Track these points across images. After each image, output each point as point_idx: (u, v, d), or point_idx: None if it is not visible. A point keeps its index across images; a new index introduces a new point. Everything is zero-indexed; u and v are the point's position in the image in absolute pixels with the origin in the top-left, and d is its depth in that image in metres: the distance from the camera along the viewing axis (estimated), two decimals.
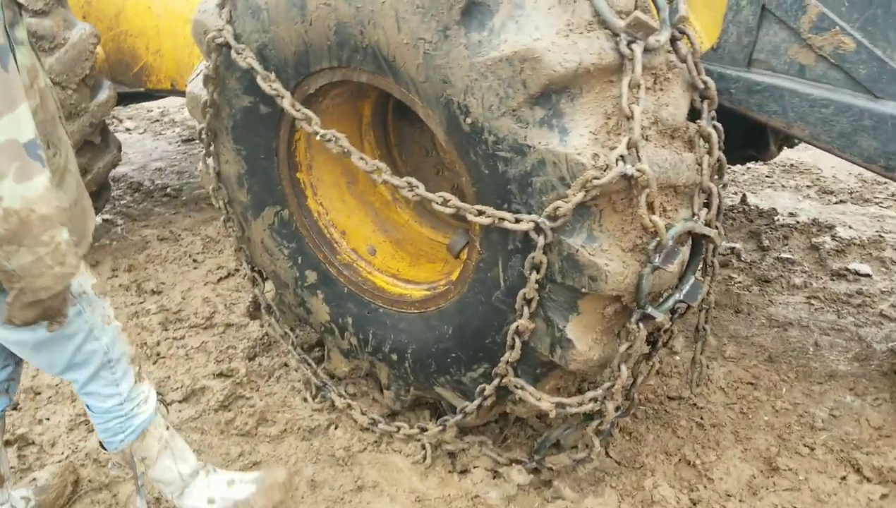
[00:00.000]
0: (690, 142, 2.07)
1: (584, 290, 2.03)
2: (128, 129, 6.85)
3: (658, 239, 1.94)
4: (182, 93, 4.16)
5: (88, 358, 2.02)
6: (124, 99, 4.40)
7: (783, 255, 4.08)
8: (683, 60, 2.06)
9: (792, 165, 5.57)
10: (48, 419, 2.90)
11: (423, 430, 2.56)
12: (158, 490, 2.32)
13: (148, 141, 6.48)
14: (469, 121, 2.00)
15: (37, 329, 1.84)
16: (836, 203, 4.95)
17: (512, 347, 2.19)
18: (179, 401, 2.96)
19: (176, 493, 2.29)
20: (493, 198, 2.06)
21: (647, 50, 1.91)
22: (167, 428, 2.25)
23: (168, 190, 5.25)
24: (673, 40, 2.04)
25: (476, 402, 2.37)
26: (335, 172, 2.73)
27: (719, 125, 2.09)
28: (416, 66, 2.02)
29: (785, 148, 3.83)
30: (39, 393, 3.04)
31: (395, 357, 2.57)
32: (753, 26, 2.31)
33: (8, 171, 1.53)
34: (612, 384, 2.18)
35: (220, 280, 3.90)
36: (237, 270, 3.94)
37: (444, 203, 2.13)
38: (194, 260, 4.12)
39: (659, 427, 2.73)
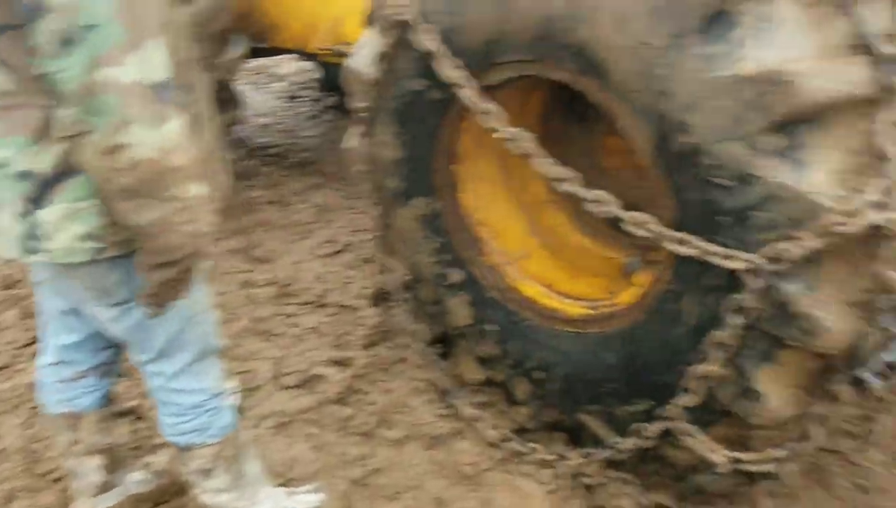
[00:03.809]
0: None
1: (789, 342, 1.81)
2: None
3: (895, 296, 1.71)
4: (307, 55, 4.01)
5: (185, 346, 1.83)
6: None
7: None
8: None
9: None
10: None
11: (563, 458, 2.38)
12: (217, 500, 2.06)
13: (250, 94, 6.35)
14: (684, 140, 1.77)
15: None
16: None
17: (689, 391, 1.99)
18: (295, 387, 2.83)
19: (241, 503, 2.07)
20: (695, 227, 1.84)
21: None
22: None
23: (274, 149, 5.10)
24: None
25: (632, 441, 2.18)
26: (491, 167, 2.53)
27: None
28: (632, 72, 1.80)
29: None
30: None
31: (539, 375, 2.38)
32: None
33: (137, 116, 1.36)
34: (801, 446, 1.96)
35: (331, 254, 3.75)
36: (348, 246, 3.79)
37: (639, 225, 1.91)
38: (305, 229, 3.97)
39: (813, 484, 2.49)
